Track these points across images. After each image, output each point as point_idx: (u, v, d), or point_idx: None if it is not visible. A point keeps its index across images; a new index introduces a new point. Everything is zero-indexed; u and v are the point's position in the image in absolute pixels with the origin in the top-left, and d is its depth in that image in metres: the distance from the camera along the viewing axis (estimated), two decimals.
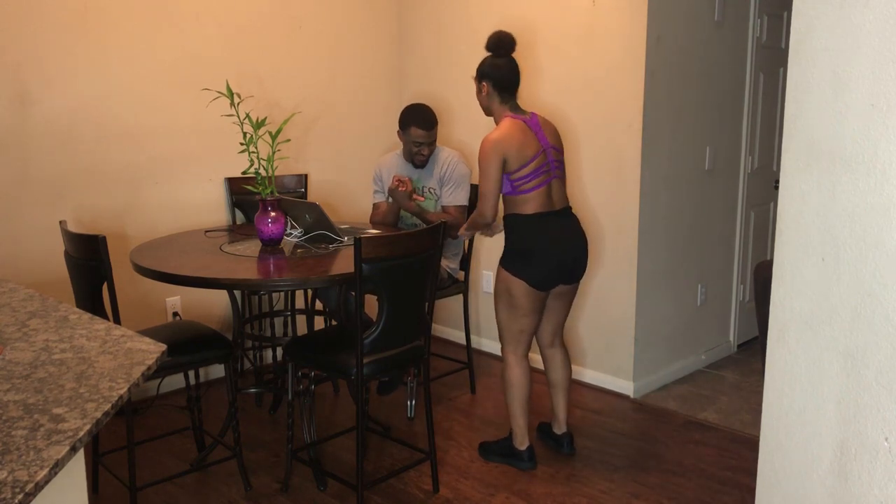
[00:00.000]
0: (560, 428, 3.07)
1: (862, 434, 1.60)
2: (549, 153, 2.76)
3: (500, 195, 2.76)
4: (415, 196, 3.39)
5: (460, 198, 3.47)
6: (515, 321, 2.82)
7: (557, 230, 2.77)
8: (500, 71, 2.76)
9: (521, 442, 2.91)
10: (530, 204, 2.72)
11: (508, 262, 2.78)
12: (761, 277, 2.01)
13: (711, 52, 3.69)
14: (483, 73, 2.80)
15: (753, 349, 4.23)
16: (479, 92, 2.83)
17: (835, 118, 1.59)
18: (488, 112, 2.85)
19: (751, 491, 2.62)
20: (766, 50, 4.04)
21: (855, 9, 1.54)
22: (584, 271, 2.88)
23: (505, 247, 2.82)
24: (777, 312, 1.75)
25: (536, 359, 4.02)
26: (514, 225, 2.77)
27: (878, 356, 1.56)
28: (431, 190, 3.52)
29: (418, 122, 3.42)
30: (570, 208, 2.86)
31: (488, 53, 2.82)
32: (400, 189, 3.33)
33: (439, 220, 3.32)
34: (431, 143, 3.48)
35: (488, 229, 2.87)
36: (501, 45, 2.77)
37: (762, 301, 1.94)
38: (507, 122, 2.74)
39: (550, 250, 2.74)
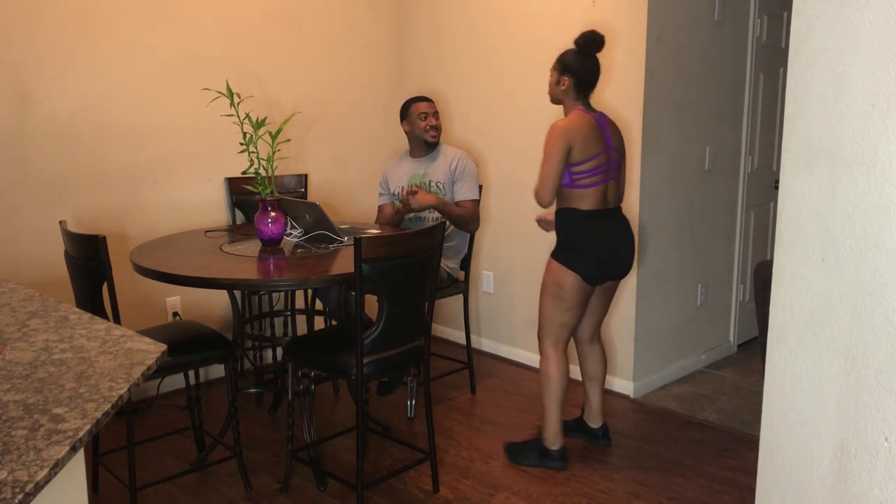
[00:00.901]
0: (596, 421, 3.11)
1: (862, 434, 1.60)
2: (611, 154, 2.77)
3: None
4: (422, 197, 3.44)
5: (473, 192, 3.54)
6: (560, 314, 2.82)
7: (609, 227, 2.81)
8: (586, 69, 2.76)
9: (555, 441, 2.89)
10: (586, 200, 2.74)
11: (561, 254, 2.80)
12: (761, 277, 2.01)
13: (711, 52, 3.69)
14: (567, 68, 2.77)
15: (753, 349, 4.23)
16: (556, 83, 2.81)
17: (835, 118, 1.59)
18: (556, 102, 2.86)
19: (751, 491, 2.62)
20: (766, 50, 4.04)
21: (855, 9, 1.54)
22: (630, 268, 2.92)
23: (558, 240, 2.84)
24: (777, 312, 1.75)
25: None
26: (570, 220, 2.78)
27: (878, 356, 1.56)
28: (440, 184, 3.54)
29: (417, 98, 3.62)
30: (621, 208, 2.89)
31: (573, 47, 2.79)
32: (409, 202, 3.40)
33: (459, 212, 3.39)
34: (436, 115, 3.59)
35: (547, 224, 2.90)
36: (592, 44, 2.75)
37: (762, 301, 1.94)
38: (578, 114, 2.75)
39: (603, 246, 2.78)
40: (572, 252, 2.78)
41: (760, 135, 4.14)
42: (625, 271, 2.91)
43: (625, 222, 2.87)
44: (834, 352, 1.64)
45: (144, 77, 3.47)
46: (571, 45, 2.79)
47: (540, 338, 2.90)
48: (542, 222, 3.00)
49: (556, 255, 2.83)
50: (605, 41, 2.76)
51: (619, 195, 2.88)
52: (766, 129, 4.18)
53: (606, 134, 2.77)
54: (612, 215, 2.82)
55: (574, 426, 3.18)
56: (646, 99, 3.36)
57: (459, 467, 2.96)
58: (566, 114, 2.81)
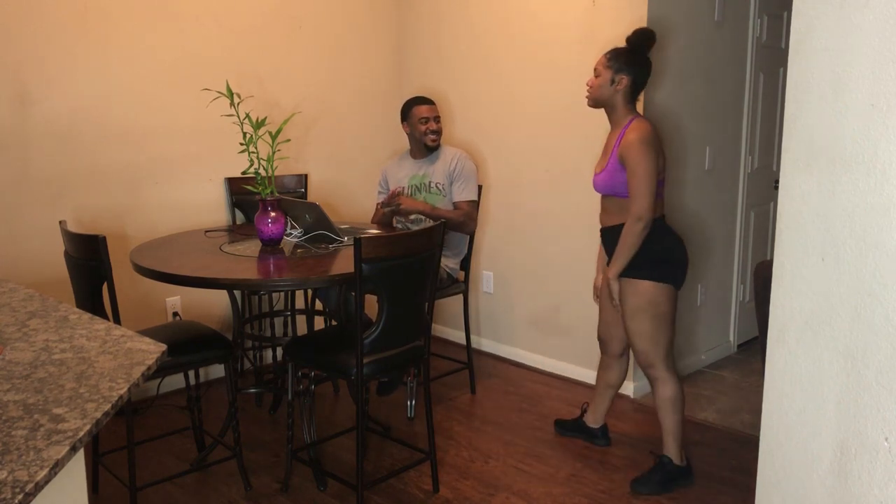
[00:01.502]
0: (598, 422, 3.11)
1: (862, 434, 1.60)
2: (666, 163, 2.72)
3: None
4: (409, 201, 3.43)
5: (470, 192, 3.55)
6: (667, 332, 2.69)
7: (673, 230, 2.75)
8: (643, 68, 2.64)
9: (682, 458, 2.79)
10: (654, 210, 2.66)
11: (652, 271, 2.64)
12: (761, 277, 2.01)
13: (711, 52, 3.69)
14: (623, 67, 2.63)
15: (753, 349, 4.23)
16: (609, 82, 2.64)
17: (835, 118, 1.59)
18: (600, 104, 2.70)
19: (751, 491, 2.61)
20: (766, 50, 4.04)
21: (855, 9, 1.54)
22: None
23: (641, 257, 2.64)
24: (777, 312, 1.75)
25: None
26: (650, 232, 2.63)
27: (878, 356, 1.56)
28: (439, 185, 3.55)
29: (418, 101, 3.59)
30: None
31: (625, 46, 2.68)
32: (398, 201, 3.41)
33: (451, 216, 3.39)
34: (437, 119, 3.58)
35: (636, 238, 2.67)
36: (646, 40, 2.64)
37: (762, 301, 1.94)
38: (644, 122, 2.63)
39: (682, 248, 2.72)
40: (663, 264, 2.66)
41: (760, 135, 4.14)
42: None
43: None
44: (834, 352, 1.64)
45: (144, 77, 3.47)
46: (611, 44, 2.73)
47: (651, 365, 2.72)
48: (602, 296, 2.86)
49: (644, 273, 2.64)
50: (656, 40, 2.65)
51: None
52: (766, 129, 4.18)
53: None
54: (665, 221, 2.75)
55: (573, 426, 3.18)
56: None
57: (459, 467, 2.96)
58: (614, 119, 2.69)
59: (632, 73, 2.64)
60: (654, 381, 2.75)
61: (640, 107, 3.34)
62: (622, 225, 2.66)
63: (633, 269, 2.66)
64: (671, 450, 2.78)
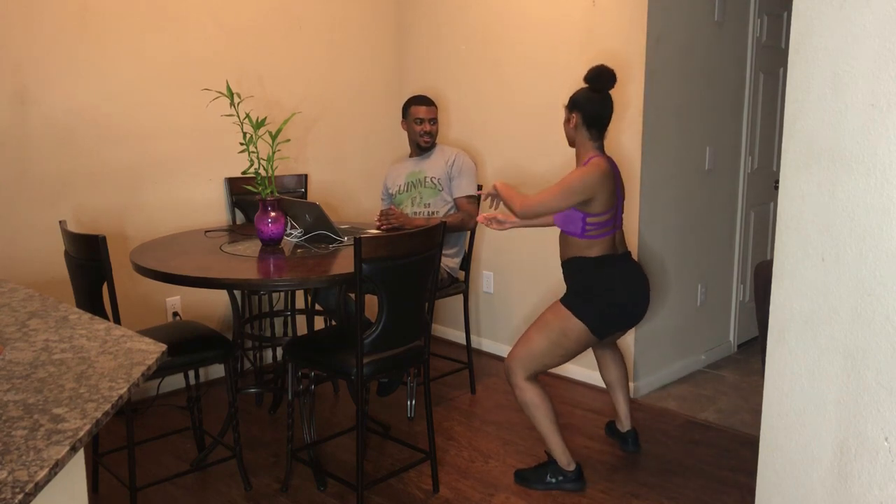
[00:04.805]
0: (623, 426, 3.06)
1: (862, 434, 1.60)
2: (620, 204, 2.72)
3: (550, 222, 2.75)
4: (401, 217, 3.42)
5: (470, 188, 3.58)
6: (550, 357, 2.70)
7: (623, 273, 2.71)
8: (592, 105, 2.66)
9: (568, 462, 2.76)
10: (595, 248, 2.67)
11: (573, 302, 2.69)
12: (761, 277, 2.02)
13: (711, 52, 3.69)
14: (575, 104, 2.69)
15: (753, 349, 4.23)
16: (566, 121, 2.72)
17: (835, 118, 1.59)
18: (571, 143, 2.75)
19: (751, 491, 2.61)
20: (766, 50, 4.04)
21: (855, 9, 1.54)
22: (642, 318, 2.82)
23: (570, 288, 2.74)
24: (777, 312, 1.75)
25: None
26: (582, 268, 2.69)
27: (878, 356, 1.56)
28: (434, 179, 3.56)
29: (417, 101, 3.64)
30: (629, 253, 2.80)
31: (585, 85, 2.71)
32: (392, 220, 3.39)
33: (448, 221, 3.39)
34: (433, 121, 3.62)
35: (498, 224, 2.81)
36: (600, 79, 2.66)
37: (762, 301, 1.94)
38: (604, 164, 2.63)
39: (617, 293, 2.68)
40: (586, 301, 2.67)
41: (760, 135, 4.14)
42: (636, 322, 2.81)
43: (637, 267, 2.79)
44: (834, 352, 1.64)
45: (145, 77, 3.47)
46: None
47: (511, 368, 2.74)
48: (492, 221, 2.87)
49: (567, 301, 2.70)
50: (615, 76, 2.66)
51: (624, 240, 2.80)
52: (766, 129, 4.18)
53: (619, 184, 2.71)
54: (624, 259, 2.74)
55: (610, 430, 3.17)
56: (646, 99, 3.36)
57: (459, 467, 2.96)
58: (580, 157, 2.71)
59: (581, 111, 2.68)
60: (512, 386, 2.77)
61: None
62: (575, 259, 2.71)
63: (566, 296, 2.73)
64: (553, 453, 2.77)
